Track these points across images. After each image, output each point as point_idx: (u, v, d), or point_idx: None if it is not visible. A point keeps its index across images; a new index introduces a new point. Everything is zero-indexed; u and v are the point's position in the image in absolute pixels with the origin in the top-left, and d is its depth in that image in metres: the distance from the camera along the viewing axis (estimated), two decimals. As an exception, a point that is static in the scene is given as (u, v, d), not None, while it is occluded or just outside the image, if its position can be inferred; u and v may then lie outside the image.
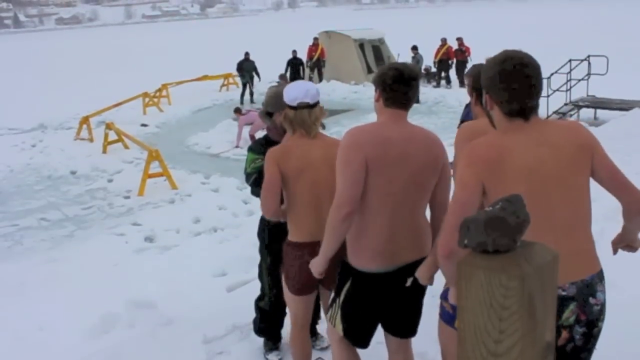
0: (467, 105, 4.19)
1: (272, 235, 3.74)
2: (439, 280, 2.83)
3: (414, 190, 2.72)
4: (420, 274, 2.77)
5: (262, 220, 3.87)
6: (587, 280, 2.27)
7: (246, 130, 13.80)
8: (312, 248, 3.04)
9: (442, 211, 2.81)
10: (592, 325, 2.30)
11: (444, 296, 2.92)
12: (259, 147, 3.72)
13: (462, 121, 4.77)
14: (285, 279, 3.32)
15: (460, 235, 1.15)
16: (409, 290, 2.82)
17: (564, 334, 2.26)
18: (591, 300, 2.27)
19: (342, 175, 2.65)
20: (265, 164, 3.15)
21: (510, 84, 2.19)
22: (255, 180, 3.61)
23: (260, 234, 3.95)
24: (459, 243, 1.18)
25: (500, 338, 1.08)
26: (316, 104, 3.15)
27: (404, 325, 2.99)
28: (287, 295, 3.35)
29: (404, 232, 2.75)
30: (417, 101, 18.74)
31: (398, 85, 2.70)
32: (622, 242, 2.53)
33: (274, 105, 3.58)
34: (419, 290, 2.90)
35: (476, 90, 2.96)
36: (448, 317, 2.91)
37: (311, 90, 3.14)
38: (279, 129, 3.57)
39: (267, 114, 3.69)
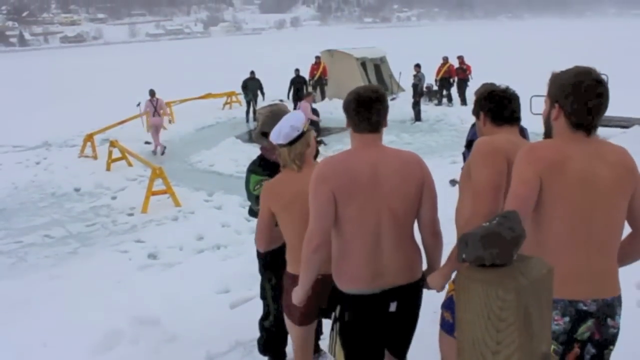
0: (473, 125, 4.24)
1: (271, 255, 3.72)
2: (436, 294, 2.87)
3: (391, 214, 2.71)
4: (432, 280, 2.79)
5: None
6: (609, 301, 2.30)
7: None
8: None
9: (430, 233, 2.86)
10: (603, 347, 2.32)
11: (446, 306, 2.96)
12: (259, 168, 3.73)
13: (469, 141, 4.81)
14: (286, 309, 3.35)
15: (458, 250, 1.19)
16: (393, 315, 2.81)
17: (575, 349, 2.28)
18: (609, 321, 2.30)
19: (311, 207, 2.71)
20: (260, 200, 3.24)
21: (586, 98, 2.27)
22: None
23: (258, 252, 3.97)
24: (457, 258, 1.23)
25: (497, 349, 1.12)
26: (297, 139, 3.13)
27: (395, 347, 2.99)
28: (289, 324, 3.38)
29: (387, 256, 2.73)
30: (419, 119, 18.90)
31: (359, 110, 2.72)
32: None
33: (270, 124, 3.54)
34: (406, 316, 2.89)
35: (484, 110, 3.00)
36: (448, 326, 2.95)
37: (283, 129, 3.13)
38: (275, 148, 3.54)
39: (262, 134, 3.69)
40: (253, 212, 3.85)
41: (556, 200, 2.24)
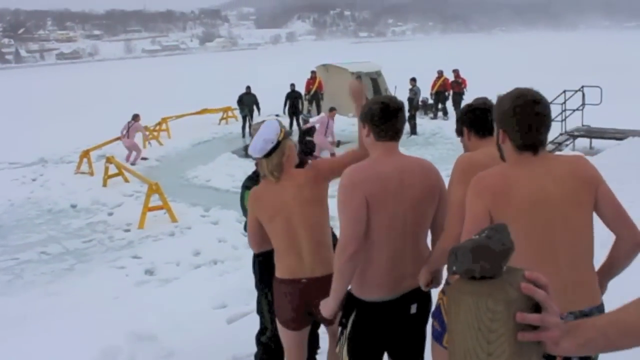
0: None
1: (263, 267, 3.77)
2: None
3: (414, 219, 2.79)
4: (420, 278, 2.83)
5: (254, 256, 3.93)
6: (586, 312, 2.33)
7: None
8: (295, 285, 3.13)
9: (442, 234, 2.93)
10: (586, 357, 2.34)
11: (434, 315, 3.00)
12: (254, 183, 3.71)
13: None
14: (277, 314, 3.38)
15: (448, 262, 1.22)
16: (413, 317, 2.88)
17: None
18: None
19: (344, 215, 2.70)
20: (247, 207, 3.33)
21: (523, 120, 2.32)
22: None
23: (254, 268, 4.00)
24: (447, 270, 1.26)
25: (488, 360, 1.15)
26: (272, 151, 3.19)
27: (410, 353, 3.01)
28: (280, 330, 3.41)
29: (407, 260, 2.81)
30: (415, 133, 18.97)
31: (386, 119, 2.79)
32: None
33: None
34: (424, 317, 2.96)
35: (466, 125, 3.07)
36: (437, 334, 2.99)
37: (258, 144, 3.19)
38: None
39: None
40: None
41: (510, 224, 2.28)
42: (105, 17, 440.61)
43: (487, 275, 1.17)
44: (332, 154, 13.13)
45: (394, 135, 2.83)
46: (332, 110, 15.94)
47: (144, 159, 16.92)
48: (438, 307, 3.04)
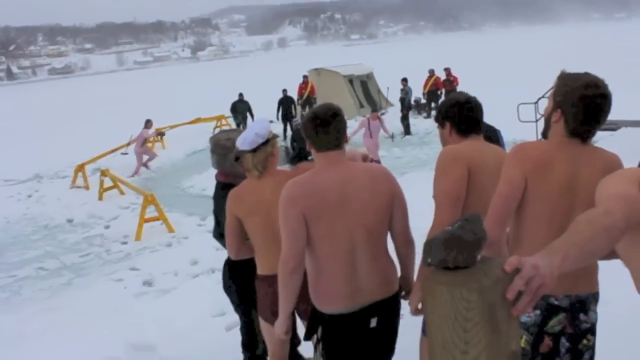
0: None
1: (247, 284, 3.68)
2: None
3: (364, 230, 2.74)
4: (410, 302, 2.83)
5: (230, 271, 3.89)
6: (582, 297, 2.36)
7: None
8: (275, 280, 3.15)
9: (402, 241, 2.92)
10: (577, 340, 2.37)
11: None
12: (225, 194, 3.63)
13: None
14: (260, 311, 3.42)
15: (423, 254, 1.23)
16: (374, 330, 2.83)
17: (547, 341, 2.35)
18: (582, 316, 2.36)
19: (283, 230, 2.72)
20: (226, 208, 3.34)
21: (587, 110, 2.34)
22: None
23: (227, 283, 3.95)
24: (422, 261, 1.28)
25: (466, 349, 1.16)
26: (259, 147, 3.26)
27: None
28: (263, 326, 3.46)
29: (361, 273, 2.76)
30: (409, 133, 19.00)
31: (318, 129, 2.76)
32: None
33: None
34: (387, 331, 2.92)
35: (450, 120, 3.06)
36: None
37: (248, 137, 3.25)
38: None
39: (236, 159, 3.66)
40: (220, 235, 3.77)
41: (537, 200, 2.32)
42: (96, 31, 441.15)
43: (461, 265, 1.19)
44: (376, 161, 12.78)
45: (332, 144, 2.77)
46: (373, 111, 15.30)
47: (125, 153, 17.35)
48: None
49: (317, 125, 2.76)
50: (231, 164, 3.69)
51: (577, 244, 1.37)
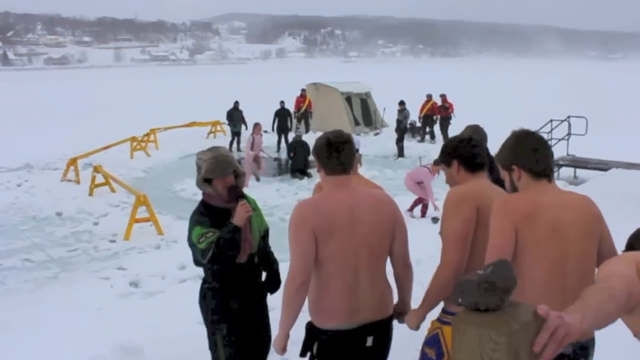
0: None
1: (218, 298, 3.71)
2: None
3: (368, 252, 2.87)
4: (409, 320, 2.92)
5: (204, 284, 3.88)
6: (583, 343, 2.43)
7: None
8: None
9: (402, 265, 3.05)
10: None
11: (430, 343, 3.07)
12: (204, 217, 3.62)
13: None
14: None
15: (454, 294, 1.30)
16: (370, 349, 2.94)
17: None
18: None
19: (293, 247, 2.84)
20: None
21: (532, 148, 2.55)
22: (214, 255, 3.50)
23: (202, 300, 3.88)
24: (453, 301, 1.34)
25: (489, 387, 1.22)
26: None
27: None
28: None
29: (363, 293, 2.88)
30: (402, 155, 19.12)
31: (330, 153, 2.90)
32: None
33: (215, 171, 3.62)
34: (381, 351, 3.03)
35: (458, 159, 3.17)
36: None
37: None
38: (220, 195, 3.63)
39: (205, 181, 3.67)
40: (199, 263, 3.76)
41: (531, 248, 2.43)
42: (96, 24, 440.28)
43: (491, 308, 1.26)
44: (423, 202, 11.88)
45: (342, 169, 2.92)
46: (435, 164, 12.18)
47: (256, 177, 15.63)
48: (435, 336, 3.09)
49: (329, 151, 2.91)
50: (198, 184, 3.71)
51: (591, 306, 1.45)
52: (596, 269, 2.48)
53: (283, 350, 3.02)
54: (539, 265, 2.42)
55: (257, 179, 15.44)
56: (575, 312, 1.40)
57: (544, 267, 2.42)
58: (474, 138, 3.24)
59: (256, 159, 15.63)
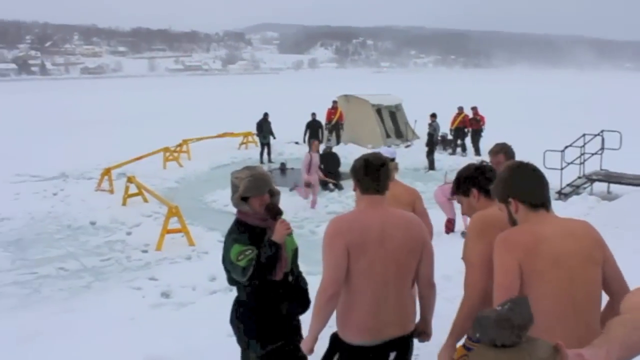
0: None
1: (254, 317, 3.72)
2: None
3: (396, 269, 2.98)
4: (441, 356, 2.92)
5: (238, 303, 3.92)
6: None
7: None
8: None
9: (426, 284, 3.14)
10: None
11: None
12: (242, 235, 3.62)
13: None
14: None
15: (473, 328, 1.34)
16: None
17: None
18: None
19: (326, 260, 2.95)
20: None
21: (531, 182, 2.59)
22: (254, 272, 3.50)
23: (236, 318, 3.90)
24: (471, 335, 1.38)
25: (505, 420, 1.26)
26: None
27: None
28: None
29: (389, 309, 2.98)
30: (433, 168, 19.06)
31: (368, 174, 3.04)
32: None
33: (252, 189, 3.60)
34: None
35: (477, 186, 3.25)
36: None
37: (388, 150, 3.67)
38: (256, 213, 3.63)
39: (243, 199, 3.65)
40: (233, 281, 3.78)
41: (536, 280, 2.47)
42: (130, 35, 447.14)
43: (508, 344, 1.30)
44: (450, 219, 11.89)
45: (378, 189, 3.05)
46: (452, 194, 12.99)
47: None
48: None
49: (367, 171, 3.05)
50: (236, 202, 3.69)
51: (617, 338, 1.47)
52: (602, 292, 2.53)
53: (310, 351, 3.12)
54: (547, 296, 2.45)
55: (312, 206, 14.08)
56: (600, 347, 1.42)
57: (551, 298, 2.46)
58: (486, 163, 3.31)
59: (308, 184, 14.16)
